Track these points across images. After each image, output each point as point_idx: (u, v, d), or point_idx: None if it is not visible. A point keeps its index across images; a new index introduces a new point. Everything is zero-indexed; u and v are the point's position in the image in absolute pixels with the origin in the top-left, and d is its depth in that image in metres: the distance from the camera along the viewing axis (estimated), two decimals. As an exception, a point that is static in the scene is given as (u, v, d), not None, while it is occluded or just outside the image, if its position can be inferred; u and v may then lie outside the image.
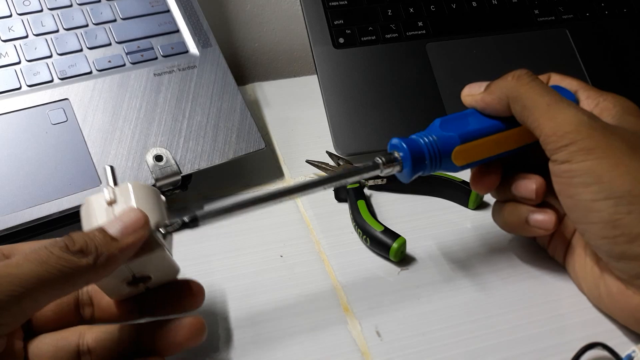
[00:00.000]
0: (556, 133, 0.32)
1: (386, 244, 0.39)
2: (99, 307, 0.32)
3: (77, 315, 0.32)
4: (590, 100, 0.36)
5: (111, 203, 0.30)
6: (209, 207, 0.31)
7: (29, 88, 0.43)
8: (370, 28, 0.55)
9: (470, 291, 0.38)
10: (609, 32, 0.59)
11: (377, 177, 0.46)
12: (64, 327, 0.31)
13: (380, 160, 0.33)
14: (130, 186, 0.30)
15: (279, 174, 0.49)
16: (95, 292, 0.32)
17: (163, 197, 0.32)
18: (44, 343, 0.30)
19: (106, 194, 0.30)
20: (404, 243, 0.39)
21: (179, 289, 0.33)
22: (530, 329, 0.35)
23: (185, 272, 0.39)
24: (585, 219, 0.32)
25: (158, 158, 0.42)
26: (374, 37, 0.55)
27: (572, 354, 0.31)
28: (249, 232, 0.43)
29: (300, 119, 0.55)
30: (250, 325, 0.36)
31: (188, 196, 0.46)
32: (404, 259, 0.40)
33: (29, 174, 0.40)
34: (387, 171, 0.34)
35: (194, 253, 0.41)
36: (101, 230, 0.27)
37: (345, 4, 0.55)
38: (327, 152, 0.49)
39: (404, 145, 0.34)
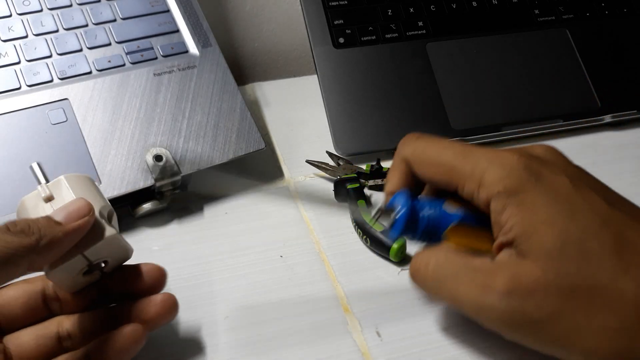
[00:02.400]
0: None
1: (386, 244, 0.39)
2: (65, 300, 0.32)
3: (46, 311, 0.32)
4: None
5: (49, 199, 0.30)
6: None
7: (28, 88, 0.43)
8: (370, 28, 0.55)
9: (471, 291, 0.38)
10: (609, 32, 0.59)
11: (377, 177, 0.46)
12: (34, 323, 0.31)
13: (377, 213, 0.33)
14: (63, 179, 0.30)
15: (279, 174, 0.49)
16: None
17: (96, 183, 0.32)
18: (24, 335, 0.30)
19: (40, 191, 0.30)
20: (404, 243, 0.39)
21: (134, 274, 0.32)
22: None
23: (186, 273, 0.39)
24: None
25: (158, 158, 0.42)
26: (374, 37, 0.54)
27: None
28: (248, 233, 0.43)
29: (300, 119, 0.55)
30: (250, 325, 0.36)
31: (188, 196, 0.45)
32: (404, 259, 0.40)
33: (29, 174, 0.39)
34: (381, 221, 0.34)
35: (194, 253, 0.41)
36: (45, 216, 0.28)
37: (345, 4, 0.55)
38: (327, 152, 0.49)
39: (404, 208, 0.32)
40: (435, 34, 0.56)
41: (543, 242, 0.27)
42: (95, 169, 0.41)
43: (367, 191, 0.46)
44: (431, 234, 0.33)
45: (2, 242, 0.25)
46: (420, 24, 0.56)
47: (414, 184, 0.34)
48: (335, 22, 0.54)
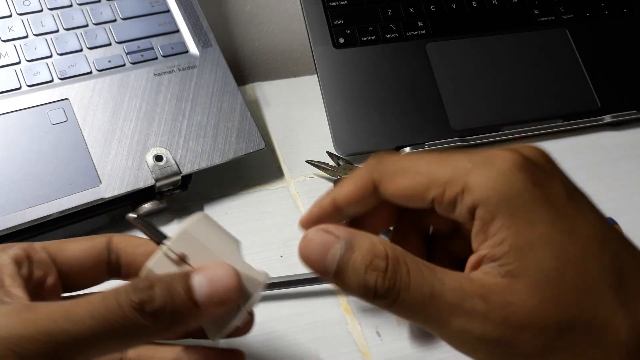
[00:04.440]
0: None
1: (386, 244, 0.39)
2: None
3: None
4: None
5: (182, 260, 0.25)
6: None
7: (29, 88, 0.43)
8: (370, 28, 0.55)
9: (471, 291, 0.38)
10: (609, 32, 0.59)
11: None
12: None
13: None
14: (191, 232, 0.25)
15: (279, 174, 0.49)
16: None
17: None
18: None
19: (169, 252, 0.25)
20: (404, 243, 0.39)
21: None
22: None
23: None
24: None
25: (158, 158, 0.42)
26: (374, 37, 0.55)
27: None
28: (248, 233, 0.43)
29: (300, 119, 0.55)
30: (250, 325, 0.36)
31: (188, 196, 0.46)
32: (404, 259, 0.40)
33: (29, 174, 0.40)
34: None
35: (194, 253, 0.41)
36: (187, 290, 0.24)
37: (345, 4, 0.55)
38: (327, 152, 0.49)
39: None
40: (435, 34, 0.56)
41: (540, 262, 0.23)
42: (96, 169, 0.41)
43: (367, 191, 0.46)
44: None
45: (128, 322, 0.22)
46: (420, 24, 0.56)
47: (367, 203, 0.27)
48: (335, 22, 0.54)
